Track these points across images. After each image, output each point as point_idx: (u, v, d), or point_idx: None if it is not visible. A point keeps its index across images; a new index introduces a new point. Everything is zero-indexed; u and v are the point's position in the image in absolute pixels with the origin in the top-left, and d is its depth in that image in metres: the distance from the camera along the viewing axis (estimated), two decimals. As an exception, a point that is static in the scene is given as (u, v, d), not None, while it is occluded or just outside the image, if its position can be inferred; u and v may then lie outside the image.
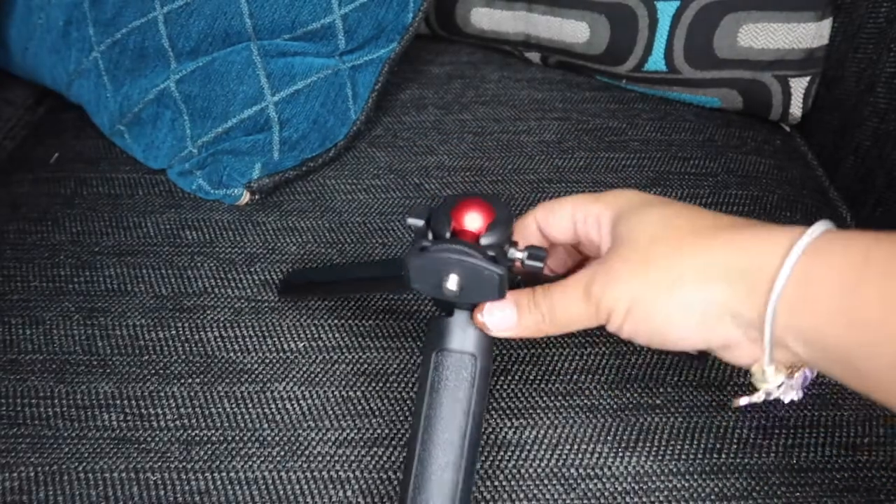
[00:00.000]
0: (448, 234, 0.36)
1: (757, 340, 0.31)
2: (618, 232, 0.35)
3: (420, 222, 0.37)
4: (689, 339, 0.33)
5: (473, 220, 0.36)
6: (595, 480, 0.45)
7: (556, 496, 0.44)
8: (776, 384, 0.33)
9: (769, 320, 0.30)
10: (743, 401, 0.36)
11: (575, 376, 0.50)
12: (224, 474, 0.45)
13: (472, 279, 0.35)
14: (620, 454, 0.46)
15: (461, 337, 0.38)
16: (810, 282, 0.29)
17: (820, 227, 0.30)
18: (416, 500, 0.37)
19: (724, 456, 0.46)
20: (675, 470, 0.45)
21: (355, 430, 0.47)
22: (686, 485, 0.45)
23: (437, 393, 0.37)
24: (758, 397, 0.34)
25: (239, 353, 0.52)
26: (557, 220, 0.39)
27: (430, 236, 0.37)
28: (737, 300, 0.31)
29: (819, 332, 0.29)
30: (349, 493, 0.44)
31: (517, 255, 0.36)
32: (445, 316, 0.38)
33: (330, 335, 0.53)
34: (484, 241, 0.36)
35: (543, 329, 0.37)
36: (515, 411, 0.48)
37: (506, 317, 0.37)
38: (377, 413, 0.48)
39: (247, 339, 0.52)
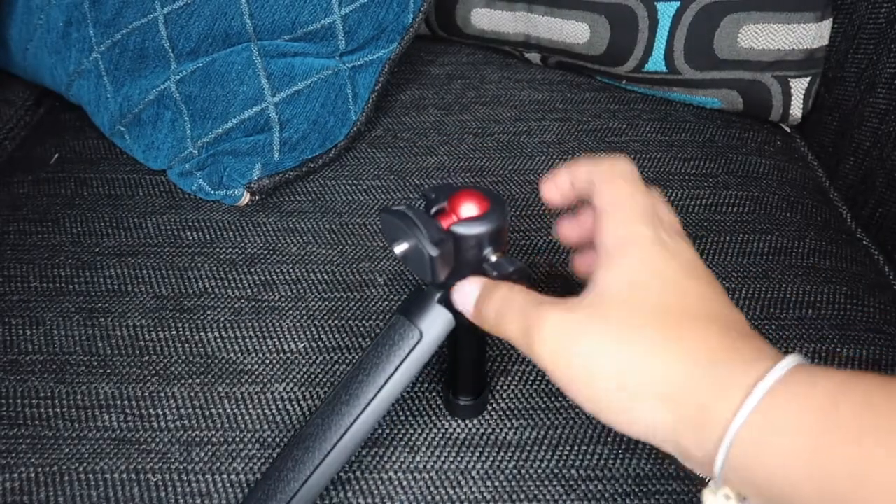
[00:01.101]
0: (432, 211, 0.38)
1: (705, 468, 0.29)
2: (610, 272, 0.32)
3: (431, 194, 0.39)
4: (625, 429, 0.30)
5: (462, 208, 0.38)
6: (595, 482, 0.45)
7: (556, 497, 0.44)
8: None
9: (719, 470, 0.27)
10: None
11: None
12: (225, 476, 0.45)
13: (414, 252, 0.37)
14: (621, 456, 0.46)
15: (419, 310, 0.39)
16: (770, 433, 0.26)
17: (785, 364, 0.28)
18: (302, 433, 0.40)
19: (724, 457, 0.46)
20: (674, 473, 0.45)
21: (356, 431, 0.47)
22: (685, 488, 0.45)
23: (376, 348, 0.39)
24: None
25: (239, 354, 0.52)
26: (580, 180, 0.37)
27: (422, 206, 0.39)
28: (685, 437, 0.28)
29: (778, 490, 0.26)
30: (349, 493, 0.44)
31: (491, 257, 0.37)
32: (425, 287, 0.40)
33: (330, 336, 0.53)
34: (457, 228, 0.37)
35: (489, 328, 0.36)
36: (516, 412, 0.48)
37: (466, 297, 0.37)
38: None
39: (247, 340, 0.52)
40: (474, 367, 0.45)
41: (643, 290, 0.31)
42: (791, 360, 0.28)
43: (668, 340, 0.29)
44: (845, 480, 0.24)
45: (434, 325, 0.39)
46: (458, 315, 0.39)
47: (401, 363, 0.39)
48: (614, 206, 0.34)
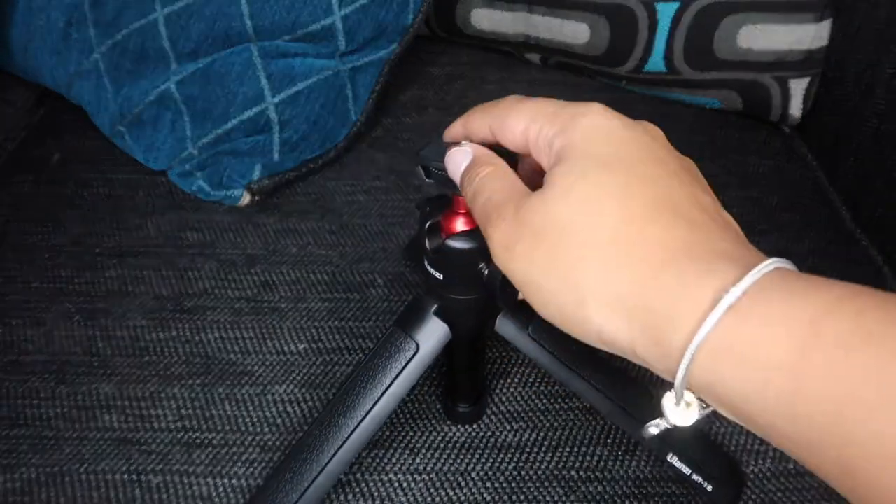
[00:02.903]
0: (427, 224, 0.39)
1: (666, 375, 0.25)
2: (561, 168, 0.28)
3: (426, 207, 0.39)
4: (589, 341, 0.27)
5: (455, 222, 0.38)
6: (595, 483, 0.45)
7: (556, 499, 0.44)
8: (689, 420, 0.26)
9: (679, 386, 0.24)
10: (652, 430, 0.28)
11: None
12: (227, 480, 0.45)
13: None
14: (620, 458, 0.46)
15: (416, 322, 0.39)
16: (741, 347, 0.22)
17: (763, 268, 0.23)
18: (302, 443, 0.40)
19: (723, 458, 0.46)
20: (674, 476, 0.45)
21: (356, 433, 0.47)
22: (685, 491, 0.45)
23: (373, 359, 0.39)
24: (666, 423, 0.27)
25: (239, 355, 0.52)
26: (511, 125, 0.32)
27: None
28: (643, 348, 0.25)
29: (747, 406, 0.23)
30: (350, 496, 0.45)
31: (485, 270, 0.37)
32: (425, 297, 0.40)
33: (330, 337, 0.53)
34: (450, 242, 0.37)
35: (468, 202, 0.32)
36: (515, 414, 0.48)
37: (455, 164, 0.33)
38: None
39: (247, 341, 0.53)
40: (471, 375, 0.46)
41: (599, 177, 0.27)
42: (771, 263, 0.24)
43: (619, 240, 0.26)
44: (828, 403, 0.20)
45: (430, 337, 0.39)
46: (454, 327, 0.40)
47: (397, 375, 0.39)
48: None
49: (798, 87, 0.73)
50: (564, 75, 0.80)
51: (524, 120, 0.31)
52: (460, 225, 0.37)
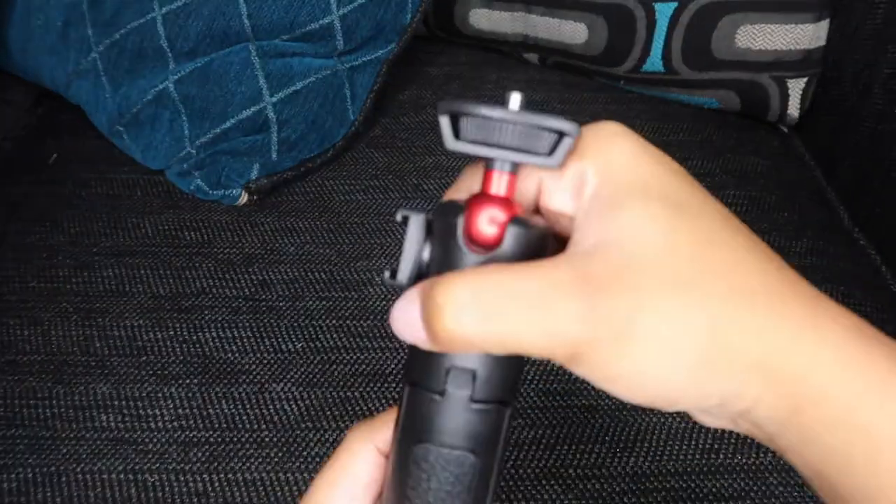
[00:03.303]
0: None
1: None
2: (613, 222, 0.23)
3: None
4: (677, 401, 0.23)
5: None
6: (593, 480, 0.45)
7: (553, 496, 0.44)
8: None
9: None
10: None
11: (573, 376, 0.50)
12: (222, 476, 0.45)
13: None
14: (618, 454, 0.46)
15: (458, 429, 0.25)
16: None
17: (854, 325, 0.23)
18: None
19: (721, 456, 0.46)
20: (672, 470, 0.45)
21: (353, 431, 0.47)
22: (683, 485, 0.45)
23: (418, 499, 0.25)
24: None
25: (237, 354, 0.52)
26: (564, 183, 0.25)
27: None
28: (763, 405, 0.23)
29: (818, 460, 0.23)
30: (347, 493, 0.45)
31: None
32: (433, 394, 0.25)
33: (328, 336, 0.53)
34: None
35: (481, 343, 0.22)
36: (513, 411, 0.48)
37: (408, 319, 0.23)
38: (375, 414, 0.48)
39: (245, 340, 0.53)
40: None
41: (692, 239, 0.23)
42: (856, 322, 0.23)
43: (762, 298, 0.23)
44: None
45: (484, 433, 0.25)
46: None
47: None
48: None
49: (796, 87, 0.73)
50: (563, 75, 0.80)
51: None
52: (494, 220, 0.23)
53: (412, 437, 0.25)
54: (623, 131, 0.25)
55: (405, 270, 0.25)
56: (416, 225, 0.25)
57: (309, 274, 0.57)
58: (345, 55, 0.67)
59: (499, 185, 0.24)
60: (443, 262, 0.24)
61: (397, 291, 0.25)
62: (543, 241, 0.25)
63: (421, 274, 0.25)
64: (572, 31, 0.76)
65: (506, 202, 0.24)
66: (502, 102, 0.23)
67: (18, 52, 0.72)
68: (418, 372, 0.25)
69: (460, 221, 0.24)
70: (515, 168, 0.24)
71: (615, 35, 0.74)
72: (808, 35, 0.70)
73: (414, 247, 0.25)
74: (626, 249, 0.22)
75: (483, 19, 0.80)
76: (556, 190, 0.25)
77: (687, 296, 0.22)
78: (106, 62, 0.66)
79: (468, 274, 0.22)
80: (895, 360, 0.23)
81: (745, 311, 0.22)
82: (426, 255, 0.25)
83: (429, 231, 0.25)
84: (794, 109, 0.74)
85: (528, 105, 0.24)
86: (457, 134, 0.24)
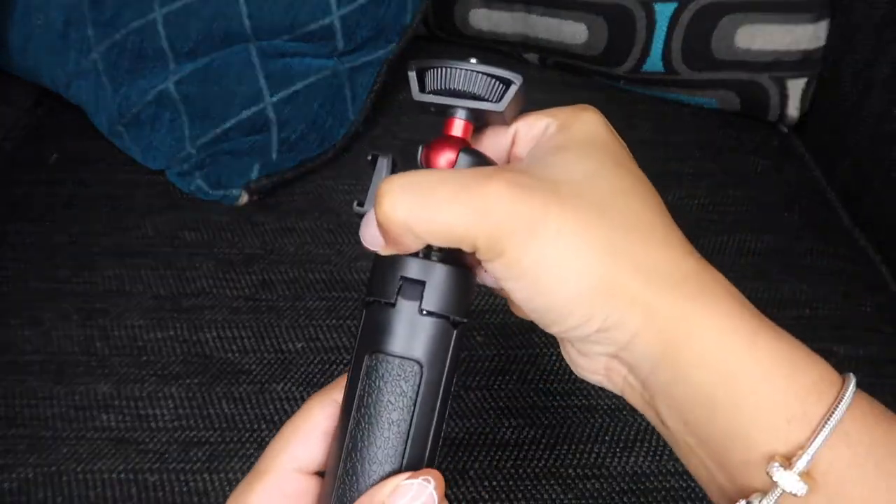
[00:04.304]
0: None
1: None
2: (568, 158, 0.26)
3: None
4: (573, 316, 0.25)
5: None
6: (592, 480, 0.45)
7: (553, 496, 0.44)
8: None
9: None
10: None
11: (573, 376, 0.50)
12: (223, 475, 0.45)
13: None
14: (618, 454, 0.46)
15: (406, 336, 0.27)
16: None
17: (848, 398, 0.24)
18: None
19: (721, 456, 0.46)
20: (672, 470, 0.45)
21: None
22: (683, 485, 0.45)
23: (367, 408, 0.27)
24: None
25: (237, 354, 0.52)
26: (497, 136, 0.30)
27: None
28: (640, 340, 0.25)
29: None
30: (347, 493, 0.45)
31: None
32: (386, 305, 0.27)
33: (328, 336, 0.53)
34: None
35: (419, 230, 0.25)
36: (513, 411, 0.48)
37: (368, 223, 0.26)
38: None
39: (245, 340, 0.53)
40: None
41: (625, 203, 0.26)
42: (853, 387, 0.25)
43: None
44: None
45: (433, 347, 0.27)
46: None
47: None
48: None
49: (796, 87, 0.73)
50: (563, 75, 0.80)
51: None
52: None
53: (365, 349, 0.28)
54: (594, 110, 0.29)
55: (371, 200, 0.28)
56: (382, 163, 0.28)
57: (309, 274, 0.57)
58: (345, 55, 0.67)
59: (457, 129, 0.29)
60: None
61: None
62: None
63: None
64: (572, 32, 0.76)
65: (462, 140, 0.28)
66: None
67: (18, 52, 0.72)
68: (374, 287, 0.28)
69: (421, 149, 0.28)
70: (471, 116, 0.29)
71: (615, 35, 0.74)
72: (807, 35, 0.70)
73: (380, 180, 0.27)
74: (556, 172, 0.26)
75: (483, 19, 0.80)
76: (526, 138, 0.29)
77: (596, 218, 0.25)
78: (106, 62, 0.66)
79: (410, 171, 0.26)
80: (765, 322, 0.25)
81: (640, 251, 0.25)
82: None
83: (393, 169, 0.29)
84: (793, 109, 0.74)
85: (486, 66, 0.28)
86: (423, 87, 0.29)
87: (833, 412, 0.23)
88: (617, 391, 0.28)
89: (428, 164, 0.28)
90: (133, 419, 0.48)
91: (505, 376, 0.50)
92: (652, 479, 0.45)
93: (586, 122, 0.29)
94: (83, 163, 0.69)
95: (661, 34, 0.72)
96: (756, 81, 0.72)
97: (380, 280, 0.28)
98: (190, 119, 0.64)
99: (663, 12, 0.71)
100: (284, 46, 0.64)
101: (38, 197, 0.65)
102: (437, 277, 0.27)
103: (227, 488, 0.45)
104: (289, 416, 0.48)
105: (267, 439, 0.47)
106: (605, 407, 0.48)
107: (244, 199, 0.63)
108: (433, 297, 0.27)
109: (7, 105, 0.78)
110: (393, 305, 0.27)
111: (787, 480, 0.23)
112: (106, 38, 0.65)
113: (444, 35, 0.85)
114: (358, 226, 0.27)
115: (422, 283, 0.27)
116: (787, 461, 0.23)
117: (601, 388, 0.49)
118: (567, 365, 0.52)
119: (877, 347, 0.53)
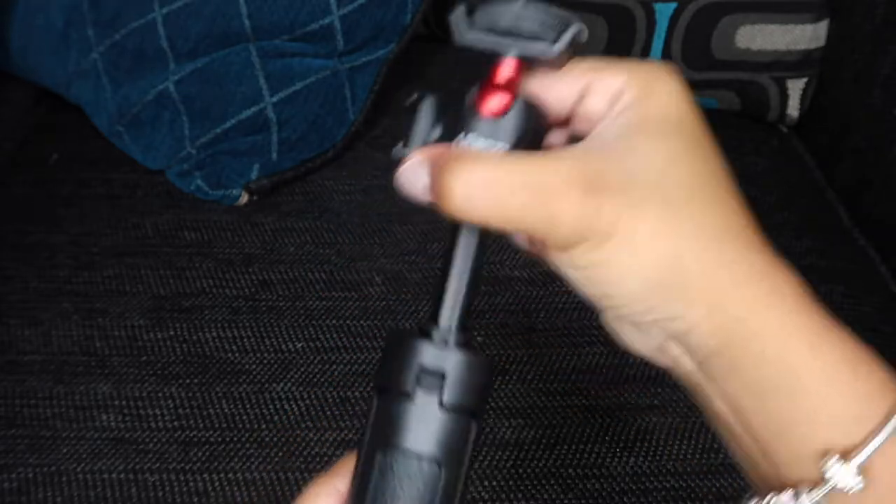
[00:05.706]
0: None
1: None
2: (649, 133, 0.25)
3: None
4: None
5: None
6: (593, 480, 0.45)
7: (553, 496, 0.44)
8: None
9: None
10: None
11: (573, 376, 0.50)
12: (222, 475, 0.45)
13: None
14: (618, 454, 0.46)
15: (425, 433, 0.24)
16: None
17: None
18: None
19: (721, 456, 0.46)
20: (672, 470, 0.45)
21: (353, 431, 0.47)
22: (683, 485, 0.45)
23: None
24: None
25: (237, 354, 0.52)
26: (564, 86, 0.27)
27: None
28: (699, 331, 0.25)
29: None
30: (347, 493, 0.45)
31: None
32: (401, 395, 0.25)
33: (328, 336, 0.53)
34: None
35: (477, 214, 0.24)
36: (513, 411, 0.48)
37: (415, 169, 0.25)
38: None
39: (245, 340, 0.53)
40: None
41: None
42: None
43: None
44: None
45: (451, 441, 0.25)
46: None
47: None
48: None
49: (795, 87, 0.73)
50: (562, 76, 0.80)
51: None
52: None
53: (377, 443, 0.25)
54: (673, 75, 0.27)
55: (418, 143, 0.26)
56: (429, 104, 0.26)
57: (309, 274, 0.57)
58: (345, 55, 0.67)
59: (507, 72, 0.26)
60: (453, 129, 0.26)
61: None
62: (543, 120, 0.26)
63: None
64: (572, 32, 0.76)
65: (514, 83, 0.26)
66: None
67: (18, 52, 0.72)
68: (387, 375, 0.25)
69: (473, 91, 0.26)
70: (524, 59, 0.26)
71: (615, 35, 0.74)
72: (807, 35, 0.70)
73: (426, 124, 0.26)
74: (632, 163, 0.25)
75: (483, 19, 0.80)
76: (595, 93, 0.27)
77: (669, 220, 0.24)
78: (106, 62, 0.66)
79: (482, 158, 0.24)
80: (830, 322, 0.25)
81: (710, 249, 0.25)
82: (436, 133, 0.26)
83: (440, 111, 0.26)
84: (793, 109, 0.74)
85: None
86: (471, 26, 0.26)
87: (894, 414, 0.24)
88: (663, 367, 0.28)
89: (481, 103, 0.26)
90: (133, 419, 0.48)
91: (505, 376, 0.50)
92: (652, 479, 0.45)
93: (667, 95, 0.27)
94: (83, 163, 0.69)
95: (661, 34, 0.72)
96: (756, 81, 0.72)
97: (395, 366, 0.25)
98: (190, 119, 0.64)
99: (663, 12, 0.71)
100: (284, 46, 0.64)
101: (37, 197, 0.65)
102: (458, 368, 0.25)
103: (227, 488, 0.45)
104: (288, 417, 0.48)
105: (267, 440, 0.47)
106: (606, 407, 0.48)
107: (244, 199, 0.63)
108: (455, 390, 0.24)
109: (7, 105, 0.78)
110: (409, 397, 0.24)
111: (845, 475, 0.23)
112: (106, 38, 0.65)
113: (444, 35, 0.85)
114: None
115: (442, 375, 0.24)
116: (843, 458, 0.24)
117: (601, 388, 0.49)
118: (567, 365, 0.53)
119: (877, 348, 0.53)
